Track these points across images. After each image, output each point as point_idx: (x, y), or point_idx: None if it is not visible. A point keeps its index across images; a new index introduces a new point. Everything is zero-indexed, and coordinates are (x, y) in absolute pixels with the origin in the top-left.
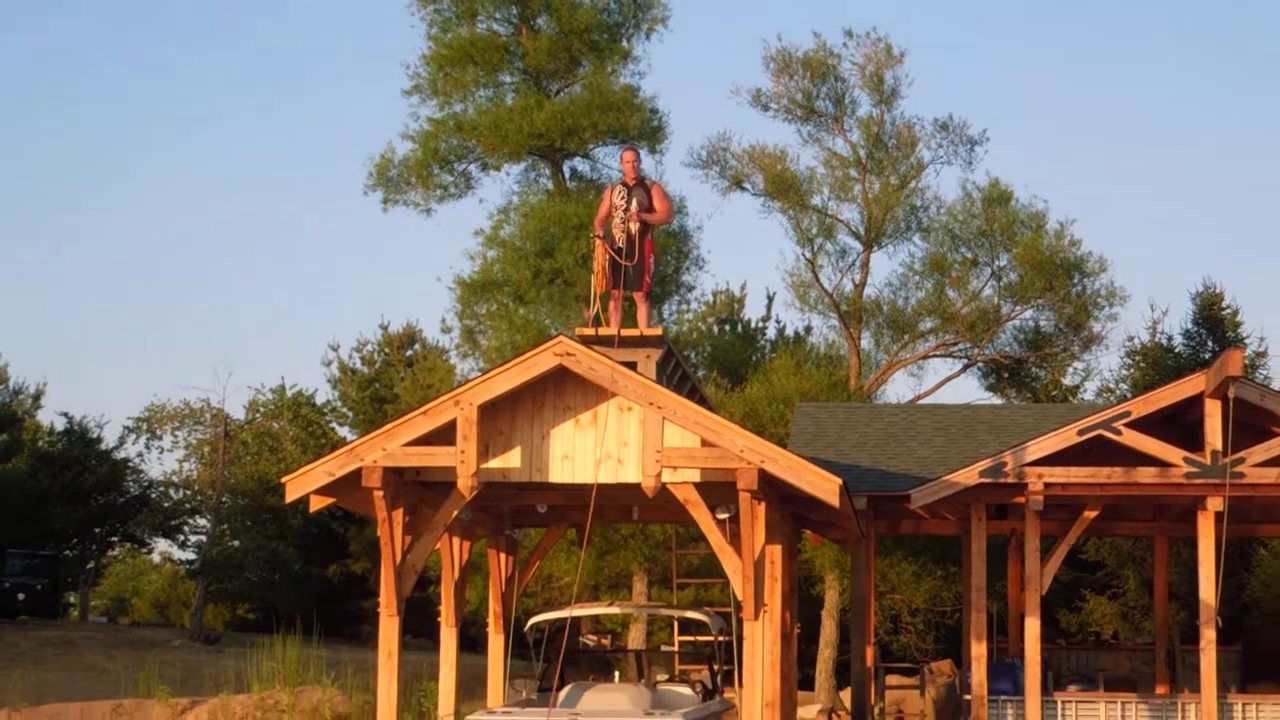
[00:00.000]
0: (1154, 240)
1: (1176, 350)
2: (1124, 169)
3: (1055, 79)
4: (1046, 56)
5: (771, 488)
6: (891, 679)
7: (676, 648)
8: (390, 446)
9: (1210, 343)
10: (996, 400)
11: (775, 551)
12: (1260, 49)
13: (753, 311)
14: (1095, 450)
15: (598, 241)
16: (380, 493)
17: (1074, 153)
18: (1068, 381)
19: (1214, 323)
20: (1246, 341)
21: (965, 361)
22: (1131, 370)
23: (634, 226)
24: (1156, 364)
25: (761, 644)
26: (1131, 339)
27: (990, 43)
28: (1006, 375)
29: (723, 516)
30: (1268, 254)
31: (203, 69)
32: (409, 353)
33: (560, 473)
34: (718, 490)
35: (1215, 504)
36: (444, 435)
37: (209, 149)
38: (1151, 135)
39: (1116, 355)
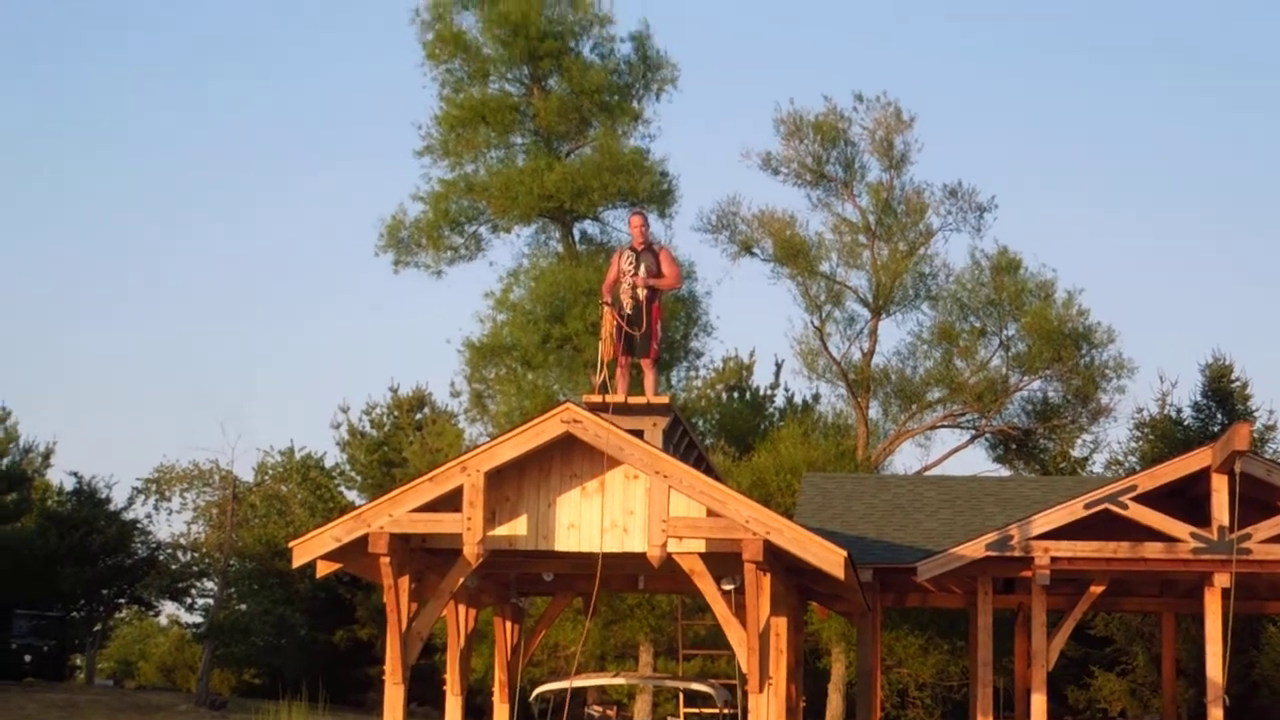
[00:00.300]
0: (1164, 311)
1: (1185, 423)
2: (1134, 239)
3: (1064, 145)
4: (1055, 123)
5: (777, 559)
6: None
7: (682, 719)
8: (397, 513)
9: (1219, 415)
10: (1004, 471)
11: (780, 624)
12: (1272, 116)
13: (761, 379)
14: (1102, 524)
15: (605, 308)
16: (386, 559)
17: (1083, 221)
18: (1076, 453)
19: (1223, 395)
20: (1256, 414)
21: (973, 432)
22: (1140, 442)
23: (642, 292)
24: (1165, 436)
25: (766, 717)
26: (1140, 411)
27: (1001, 108)
28: (1014, 446)
29: (728, 588)
30: (1278, 325)
31: (213, 129)
32: (418, 416)
33: (566, 541)
34: (723, 561)
35: (1222, 580)
36: (450, 502)
37: (220, 208)
38: (1162, 206)
39: (1125, 427)
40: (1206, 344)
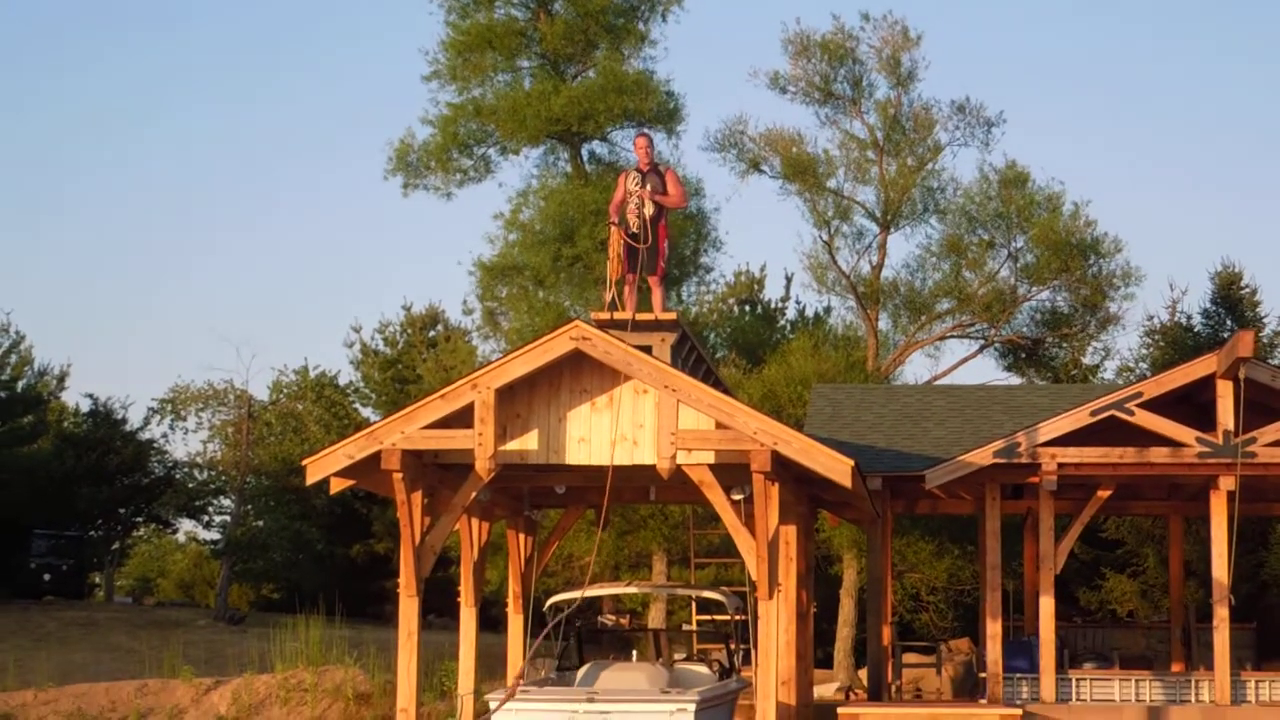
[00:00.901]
0: (1173, 219)
1: (1195, 330)
2: (1143, 148)
3: (1072, 58)
4: (1063, 36)
5: (785, 469)
6: (909, 657)
7: (694, 627)
8: (409, 430)
9: (1229, 322)
10: (1014, 380)
11: (790, 532)
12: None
13: (772, 292)
14: (1109, 430)
15: (612, 227)
16: (399, 475)
17: (1092, 133)
18: (1087, 361)
19: (1232, 302)
20: (1265, 320)
21: (982, 342)
22: (1151, 350)
23: (648, 210)
24: (1176, 343)
25: (776, 623)
26: (1151, 318)
27: (1007, 23)
28: (1024, 356)
29: (737, 497)
30: None
31: (228, 48)
32: (431, 334)
33: (577, 455)
34: (732, 471)
35: (1227, 483)
36: (462, 418)
37: (231, 129)
38: (1170, 114)
39: (1136, 334)
40: (1216, 252)
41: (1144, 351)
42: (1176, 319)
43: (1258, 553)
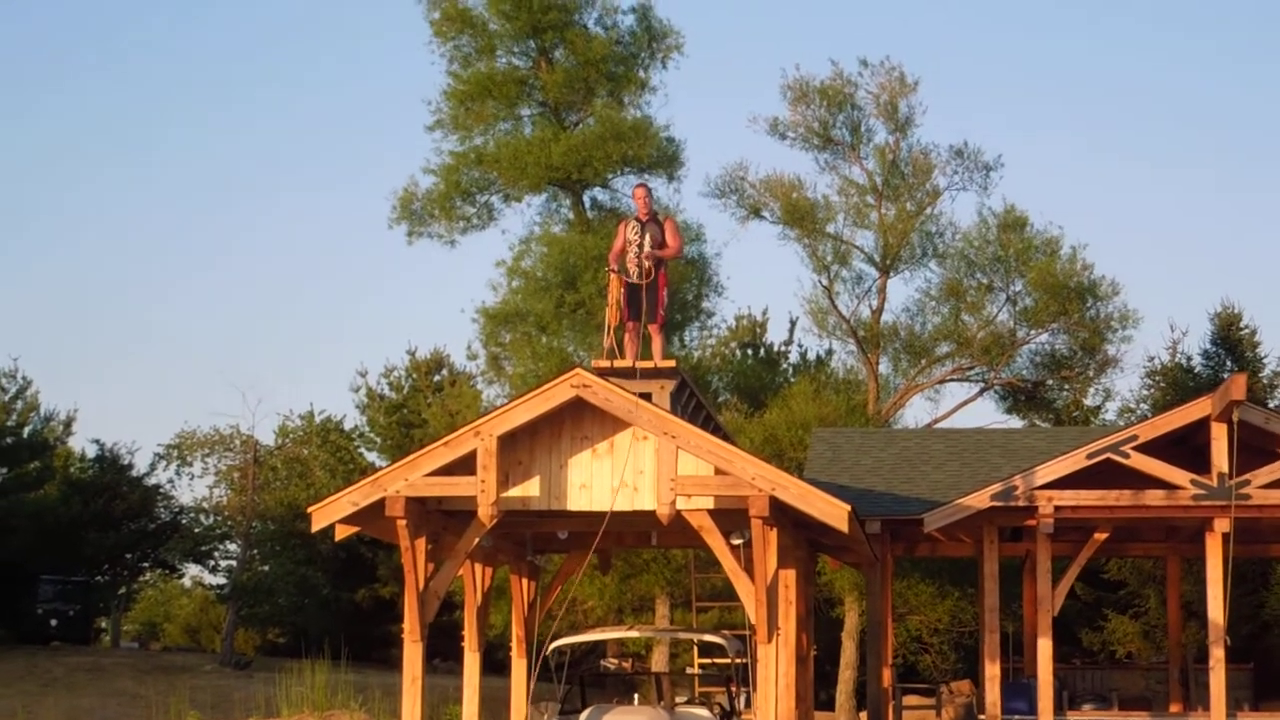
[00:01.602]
0: (1174, 261)
1: (1195, 371)
2: (1143, 190)
3: (1070, 101)
4: (1061, 79)
5: (784, 514)
6: (910, 699)
7: (697, 670)
8: (413, 477)
9: (1229, 362)
10: (1016, 423)
11: (789, 576)
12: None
13: (775, 335)
14: (1105, 473)
15: (611, 275)
16: (403, 522)
17: (1092, 175)
18: (1089, 402)
19: (1232, 343)
20: (1265, 361)
21: (982, 385)
22: (1152, 391)
23: (648, 263)
24: (1176, 384)
25: (775, 666)
26: (1152, 359)
27: (1005, 68)
28: (1023, 398)
29: (737, 542)
30: None
31: (238, 97)
32: (436, 378)
33: (578, 501)
34: (731, 516)
35: (1222, 525)
36: (465, 465)
37: (238, 177)
38: (1171, 158)
39: (1137, 376)
40: (1216, 293)
41: (1145, 392)
42: (1177, 360)
43: (1258, 593)
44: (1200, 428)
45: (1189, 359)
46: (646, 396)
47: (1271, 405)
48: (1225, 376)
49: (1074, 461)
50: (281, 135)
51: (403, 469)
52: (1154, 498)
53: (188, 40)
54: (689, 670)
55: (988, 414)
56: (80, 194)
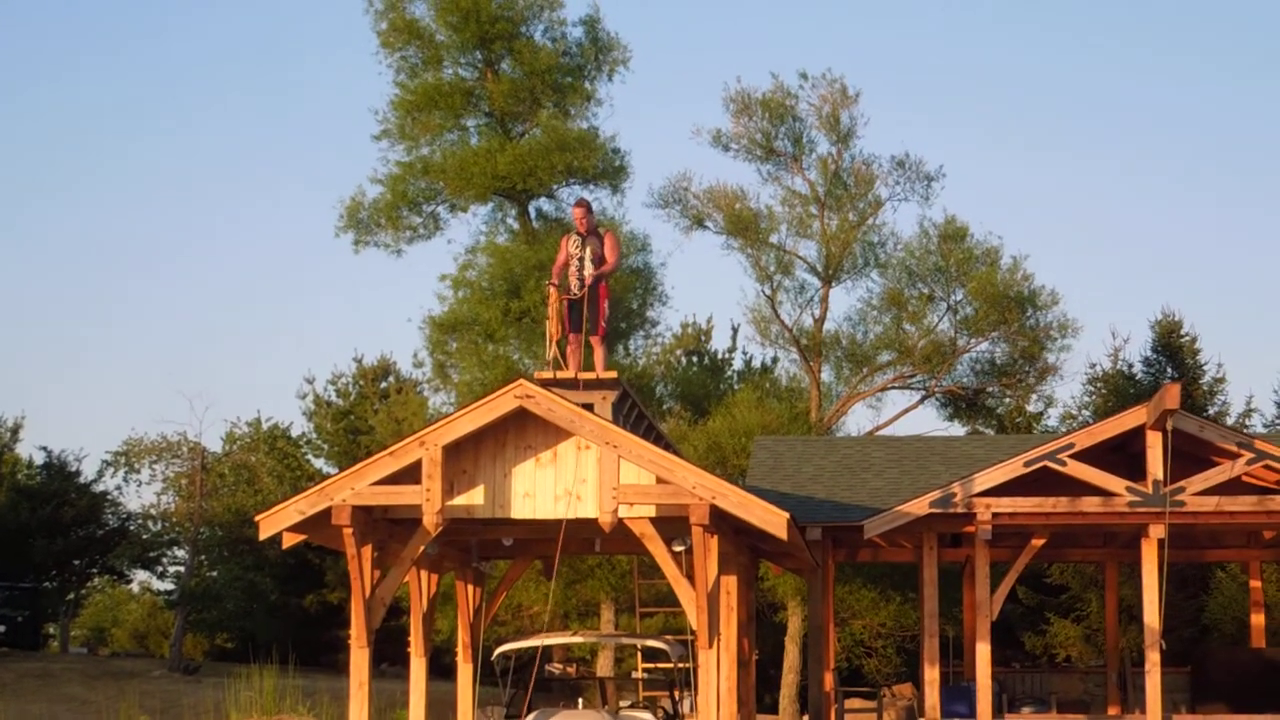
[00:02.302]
0: (1115, 270)
1: (1137, 378)
2: (1085, 200)
3: (1009, 111)
4: (1001, 89)
5: (724, 521)
6: (852, 702)
7: (641, 674)
8: (359, 486)
9: (1170, 369)
10: (957, 429)
11: (730, 582)
12: (1216, 76)
13: (719, 343)
14: (1043, 481)
15: (551, 289)
16: (349, 530)
17: (1034, 186)
18: (1031, 408)
19: (1173, 350)
20: (1205, 368)
21: (923, 393)
22: (1094, 397)
23: (589, 273)
24: (1118, 391)
25: (717, 670)
26: (1094, 366)
27: (944, 79)
28: (964, 406)
29: (678, 549)
30: (1226, 282)
31: (187, 104)
32: (383, 384)
33: (522, 509)
34: (673, 524)
35: (1157, 531)
36: (410, 474)
37: (185, 182)
38: (1112, 167)
39: (1079, 382)
40: (1157, 301)
41: (1087, 399)
42: (1119, 367)
43: (1199, 598)
44: (1136, 435)
45: (1130, 366)
46: (589, 407)
47: (1212, 411)
48: (1165, 383)
49: (1011, 469)
50: (231, 143)
51: (349, 478)
52: (1090, 504)
53: (134, 49)
54: (634, 675)
55: (929, 421)
56: (27, 200)
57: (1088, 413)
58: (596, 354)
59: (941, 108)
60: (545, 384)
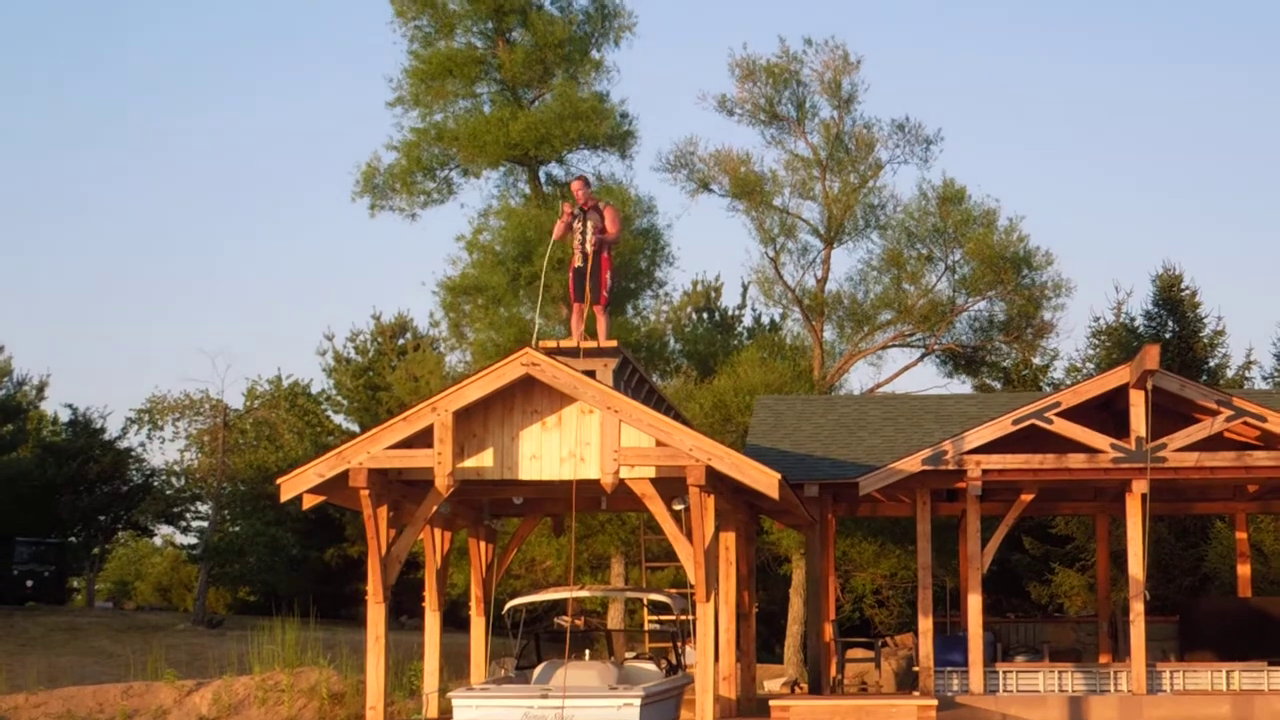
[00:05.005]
0: (1119, 224)
1: (1139, 330)
2: (1086, 155)
3: (1008, 76)
4: (999, 55)
5: (721, 481)
6: (854, 653)
7: (648, 627)
8: (374, 450)
9: (1171, 323)
10: (957, 386)
11: (729, 538)
12: (1208, 27)
13: (729, 300)
14: (1032, 438)
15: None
16: (366, 492)
17: (1035, 142)
18: (1038, 361)
19: (1174, 303)
20: (1205, 320)
21: (922, 350)
22: (1097, 350)
23: (590, 243)
24: (1121, 344)
25: (715, 622)
26: (1097, 320)
27: (944, 44)
28: (962, 362)
29: (678, 508)
30: (1225, 233)
31: (207, 65)
32: (401, 341)
33: (529, 470)
34: (672, 484)
35: (1140, 486)
36: (423, 439)
37: (209, 146)
38: (1110, 124)
39: (1084, 335)
40: (1160, 254)
41: (1091, 352)
42: (1121, 320)
43: (1199, 547)
44: (1121, 394)
45: (1133, 319)
46: (591, 374)
47: (1212, 364)
48: (1168, 336)
49: (1000, 427)
50: (252, 106)
51: (365, 442)
52: (1076, 461)
53: (150, 20)
54: (644, 627)
55: (929, 378)
56: (53, 169)
57: (1092, 365)
58: (599, 323)
59: (941, 72)
60: (549, 352)
